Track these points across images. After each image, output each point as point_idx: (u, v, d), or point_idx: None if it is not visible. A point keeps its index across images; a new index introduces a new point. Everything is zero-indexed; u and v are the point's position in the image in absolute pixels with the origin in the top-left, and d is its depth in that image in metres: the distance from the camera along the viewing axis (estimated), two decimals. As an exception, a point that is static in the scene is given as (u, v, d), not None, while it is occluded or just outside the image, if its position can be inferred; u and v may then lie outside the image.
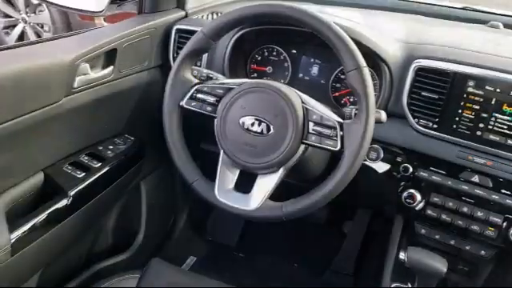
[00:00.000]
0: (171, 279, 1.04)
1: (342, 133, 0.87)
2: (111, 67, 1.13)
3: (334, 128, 0.88)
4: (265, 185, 0.93)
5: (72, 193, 1.05)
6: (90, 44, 1.07)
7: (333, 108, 0.92)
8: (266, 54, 1.27)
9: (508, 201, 1.01)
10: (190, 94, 0.98)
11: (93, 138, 1.18)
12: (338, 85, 1.20)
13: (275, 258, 1.76)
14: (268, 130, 0.90)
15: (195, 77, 1.02)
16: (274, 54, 1.26)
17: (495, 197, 1.02)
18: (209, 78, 1.02)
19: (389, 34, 1.15)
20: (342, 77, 1.18)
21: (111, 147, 1.19)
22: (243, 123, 0.92)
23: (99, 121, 1.17)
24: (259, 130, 0.91)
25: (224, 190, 0.95)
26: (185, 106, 0.99)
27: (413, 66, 1.04)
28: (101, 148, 1.18)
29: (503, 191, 1.01)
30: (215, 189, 0.95)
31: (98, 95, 1.12)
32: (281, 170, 0.92)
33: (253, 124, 0.91)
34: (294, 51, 1.24)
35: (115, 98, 1.17)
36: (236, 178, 0.96)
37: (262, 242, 1.83)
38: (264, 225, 1.66)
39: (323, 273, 1.72)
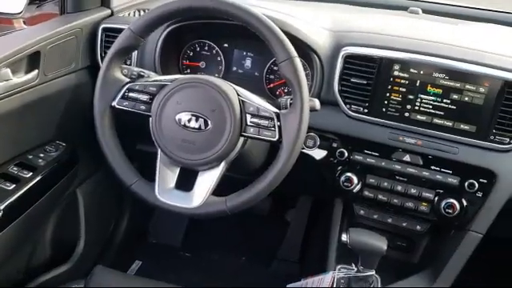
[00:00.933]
0: (116, 285, 1.01)
1: (279, 123, 0.88)
2: (36, 71, 1.07)
3: (272, 119, 0.88)
4: (207, 181, 0.92)
5: (2, 207, 0.99)
6: (10, 48, 1.01)
7: (268, 99, 0.93)
8: (198, 49, 1.25)
9: (438, 176, 1.07)
10: (121, 94, 0.95)
11: (21, 147, 1.11)
12: (271, 76, 1.21)
13: (222, 253, 1.75)
14: (206, 125, 0.90)
15: (126, 76, 0.99)
16: (206, 48, 1.25)
17: (426, 173, 1.08)
18: (140, 76, 1.00)
19: (316, 24, 1.17)
20: (275, 68, 1.20)
21: (42, 155, 1.13)
22: (180, 120, 0.90)
23: (27, 128, 1.11)
24: (197, 126, 0.90)
25: (165, 190, 0.93)
26: (117, 107, 0.95)
27: (341, 53, 1.08)
28: (31, 157, 1.12)
29: (433, 167, 1.07)
30: (155, 189, 0.93)
31: (24, 101, 1.06)
32: (222, 165, 0.92)
33: (190, 120, 0.90)
34: (226, 45, 1.24)
35: (43, 103, 1.11)
36: (176, 176, 0.95)
37: (207, 239, 1.83)
38: (208, 221, 1.66)
39: (270, 263, 1.74)
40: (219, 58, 1.24)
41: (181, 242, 1.80)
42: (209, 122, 0.89)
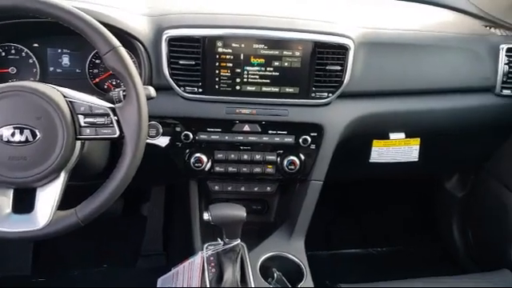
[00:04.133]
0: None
1: (116, 118, 0.84)
2: None
3: (107, 115, 0.84)
4: (49, 196, 0.83)
5: None
6: None
7: (99, 95, 0.88)
8: (4, 54, 1.11)
9: (276, 139, 1.16)
10: None
11: None
12: (95, 70, 1.14)
13: (81, 267, 1.64)
14: (34, 135, 0.80)
15: None
16: (13, 52, 1.12)
17: (266, 138, 1.16)
18: None
19: (133, 11, 1.14)
20: (98, 61, 1.13)
21: None
22: (1, 136, 0.80)
23: None
24: (23, 139, 0.80)
25: (1, 218, 0.82)
26: None
27: (163, 37, 1.07)
28: None
29: (270, 132, 1.16)
30: (-12, 220, 0.81)
31: None
32: (62, 175, 0.84)
33: (13, 134, 0.80)
34: (36, 45, 1.12)
35: None
36: (11, 199, 0.84)
37: (60, 257, 1.68)
38: (57, 238, 1.52)
39: (135, 262, 1.69)
40: (31, 61, 1.12)
41: (30, 269, 1.62)
42: (37, 132, 0.81)
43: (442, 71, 1.24)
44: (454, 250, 1.72)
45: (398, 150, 1.30)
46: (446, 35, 1.27)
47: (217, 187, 1.22)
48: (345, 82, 1.12)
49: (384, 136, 1.27)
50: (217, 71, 1.10)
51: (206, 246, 1.10)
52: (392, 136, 1.27)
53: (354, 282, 1.14)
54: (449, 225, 1.74)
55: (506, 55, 1.24)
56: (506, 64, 1.24)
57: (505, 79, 1.26)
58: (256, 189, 1.24)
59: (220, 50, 1.08)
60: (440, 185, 1.76)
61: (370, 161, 1.29)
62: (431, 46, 1.23)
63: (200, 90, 1.10)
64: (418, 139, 1.30)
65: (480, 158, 1.55)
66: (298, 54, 1.10)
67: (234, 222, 1.03)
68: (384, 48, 1.19)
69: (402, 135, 1.28)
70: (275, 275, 1.12)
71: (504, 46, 1.24)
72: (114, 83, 1.15)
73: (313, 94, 1.13)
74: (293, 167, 1.17)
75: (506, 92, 1.27)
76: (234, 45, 1.08)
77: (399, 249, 1.85)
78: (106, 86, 1.15)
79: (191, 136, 1.13)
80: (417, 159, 1.31)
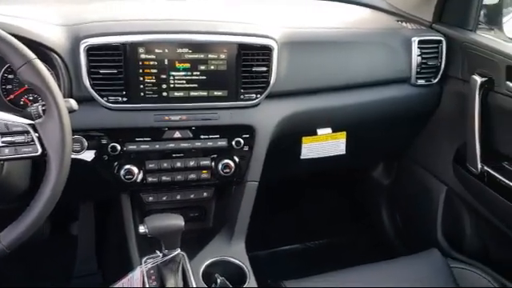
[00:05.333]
0: None
1: (37, 134, 0.79)
2: None
3: (27, 132, 0.78)
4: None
5: None
6: None
7: (15, 112, 0.82)
8: None
9: (209, 143, 1.14)
10: None
11: None
12: (9, 86, 1.06)
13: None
14: None
15: None
16: None
17: (198, 144, 1.14)
18: None
19: (47, 21, 1.07)
20: (11, 76, 1.05)
21: None
22: None
23: None
24: None
25: None
26: None
27: (82, 47, 1.02)
28: None
29: (202, 137, 1.14)
30: None
31: None
32: (-20, 201, 0.78)
33: None
34: None
35: None
36: None
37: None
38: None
39: (69, 285, 1.60)
40: None
41: None
42: None
43: (361, 66, 1.30)
44: (386, 235, 1.80)
45: (325, 144, 1.34)
46: (362, 31, 1.34)
47: (151, 198, 1.19)
48: (271, 82, 1.13)
49: (312, 132, 1.31)
50: (141, 78, 1.06)
51: (144, 259, 1.06)
52: (319, 132, 1.31)
53: (295, 278, 1.16)
54: (378, 212, 1.82)
55: (418, 47, 1.33)
56: (418, 55, 1.33)
57: (418, 70, 1.34)
58: (192, 196, 1.22)
59: (143, 56, 1.05)
60: (367, 174, 1.84)
61: (302, 157, 1.32)
62: (350, 42, 1.29)
63: (124, 99, 1.06)
64: (344, 133, 1.35)
65: (402, 145, 1.64)
66: (223, 56, 1.09)
67: (172, 232, 1.00)
68: (306, 47, 1.22)
69: (328, 130, 1.32)
70: (218, 280, 1.11)
71: (415, 39, 1.32)
72: (31, 98, 1.07)
73: (241, 96, 1.13)
74: (228, 170, 1.16)
75: (420, 82, 1.36)
76: (157, 50, 1.06)
77: (336, 240, 1.92)
78: (22, 102, 1.07)
79: (119, 147, 1.08)
80: (344, 152, 1.36)
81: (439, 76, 1.37)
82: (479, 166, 1.25)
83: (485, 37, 1.26)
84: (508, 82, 1.16)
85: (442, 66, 1.36)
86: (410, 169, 1.64)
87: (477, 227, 1.45)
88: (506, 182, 1.19)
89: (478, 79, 1.22)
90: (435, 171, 1.53)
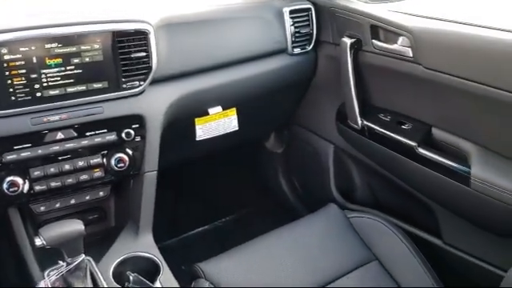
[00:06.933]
0: None
1: None
2: None
3: None
4: None
5: None
6: None
7: None
8: None
9: (97, 139, 1.08)
10: None
11: None
12: None
13: None
14: None
15: None
16: None
17: (85, 142, 1.07)
18: None
19: None
20: None
21: None
22: None
23: None
24: None
25: None
26: None
27: None
28: None
29: (88, 134, 1.08)
30: None
31: None
32: None
33: None
34: None
35: None
36: None
37: None
38: None
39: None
40: None
41: None
42: None
43: (239, 41, 1.32)
44: (287, 200, 1.89)
45: (218, 123, 1.35)
46: (236, 7, 1.35)
47: (42, 208, 1.10)
48: (153, 67, 1.10)
49: (204, 113, 1.31)
50: (8, 81, 0.97)
51: (47, 272, 0.99)
52: (211, 111, 1.32)
53: (208, 258, 1.17)
54: (277, 179, 1.90)
55: (290, 17, 1.38)
56: (291, 25, 1.38)
57: (293, 39, 1.40)
58: (88, 197, 1.16)
59: (6, 57, 0.95)
60: (261, 146, 1.90)
61: (197, 139, 1.32)
62: (225, 19, 1.30)
63: None
64: (234, 109, 1.37)
65: (289, 113, 1.71)
66: (97, 46, 1.03)
67: (72, 238, 0.95)
68: (184, 28, 1.21)
69: (219, 109, 1.34)
70: (131, 278, 1.08)
71: (287, 9, 1.38)
72: None
73: (124, 85, 1.09)
74: (122, 165, 1.12)
75: (296, 50, 1.42)
76: (22, 49, 0.97)
77: (243, 213, 1.97)
78: None
79: None
80: (237, 128, 1.39)
81: (313, 43, 1.45)
82: (359, 121, 1.36)
83: (349, 0, 1.34)
84: (374, 41, 1.27)
85: (314, 32, 1.44)
86: (300, 134, 1.73)
87: (365, 177, 1.58)
88: (383, 131, 1.31)
89: (348, 41, 1.31)
90: (321, 133, 1.63)
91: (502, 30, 1.00)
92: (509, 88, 0.98)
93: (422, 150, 1.21)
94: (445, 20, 1.13)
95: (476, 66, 1.04)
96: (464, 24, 1.08)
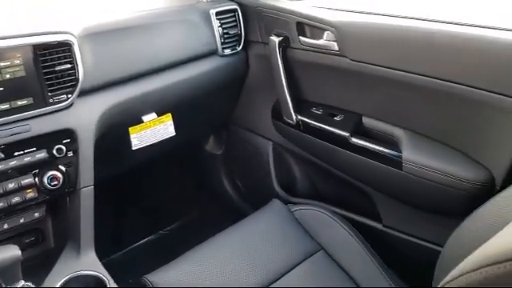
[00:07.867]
0: None
1: None
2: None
3: None
4: None
5: None
6: None
7: None
8: None
9: (26, 159, 1.03)
10: None
11: None
12: None
13: None
14: None
15: None
16: None
17: (13, 163, 1.02)
18: None
19: None
20: None
21: None
22: None
23: None
24: None
25: None
26: None
27: None
28: None
29: (17, 153, 1.02)
30: None
31: None
32: None
33: None
34: None
35: None
36: None
37: None
38: None
39: None
40: None
41: None
42: None
43: (168, 46, 1.30)
44: (231, 201, 1.90)
45: (154, 130, 1.33)
46: (162, 12, 1.34)
47: None
48: (80, 78, 1.06)
49: (138, 121, 1.28)
50: None
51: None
52: (145, 119, 1.30)
53: (156, 269, 1.15)
54: (220, 181, 1.90)
55: (217, 19, 1.39)
56: (219, 27, 1.39)
57: (222, 40, 1.41)
58: (22, 220, 1.09)
59: None
60: (201, 149, 1.90)
61: (133, 148, 1.29)
62: (152, 24, 1.28)
63: None
64: (169, 114, 1.36)
65: (225, 114, 1.72)
66: (18, 62, 0.98)
67: (8, 265, 0.90)
68: (109, 36, 1.18)
69: (153, 115, 1.32)
70: (77, 298, 1.05)
71: (213, 11, 1.38)
72: None
73: (51, 100, 1.04)
74: (56, 182, 1.07)
75: (227, 51, 1.43)
76: None
77: (187, 220, 1.95)
78: None
79: None
80: (174, 133, 1.37)
81: (242, 43, 1.46)
82: (294, 116, 1.40)
83: (273, -1, 1.37)
84: (301, 37, 1.30)
85: (243, 33, 1.45)
86: (238, 134, 1.74)
87: (304, 170, 1.62)
88: (317, 124, 1.35)
89: (276, 39, 1.34)
90: (259, 131, 1.65)
91: (417, 19, 1.07)
92: (430, 74, 1.05)
93: (354, 140, 1.27)
94: (366, 13, 1.18)
95: (398, 55, 1.10)
96: (384, 15, 1.14)
